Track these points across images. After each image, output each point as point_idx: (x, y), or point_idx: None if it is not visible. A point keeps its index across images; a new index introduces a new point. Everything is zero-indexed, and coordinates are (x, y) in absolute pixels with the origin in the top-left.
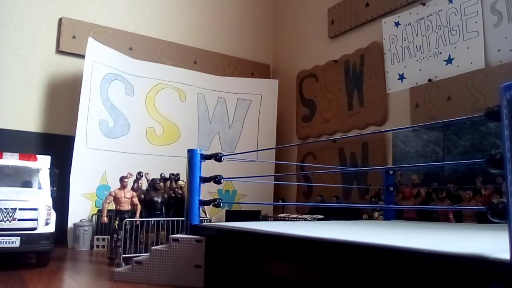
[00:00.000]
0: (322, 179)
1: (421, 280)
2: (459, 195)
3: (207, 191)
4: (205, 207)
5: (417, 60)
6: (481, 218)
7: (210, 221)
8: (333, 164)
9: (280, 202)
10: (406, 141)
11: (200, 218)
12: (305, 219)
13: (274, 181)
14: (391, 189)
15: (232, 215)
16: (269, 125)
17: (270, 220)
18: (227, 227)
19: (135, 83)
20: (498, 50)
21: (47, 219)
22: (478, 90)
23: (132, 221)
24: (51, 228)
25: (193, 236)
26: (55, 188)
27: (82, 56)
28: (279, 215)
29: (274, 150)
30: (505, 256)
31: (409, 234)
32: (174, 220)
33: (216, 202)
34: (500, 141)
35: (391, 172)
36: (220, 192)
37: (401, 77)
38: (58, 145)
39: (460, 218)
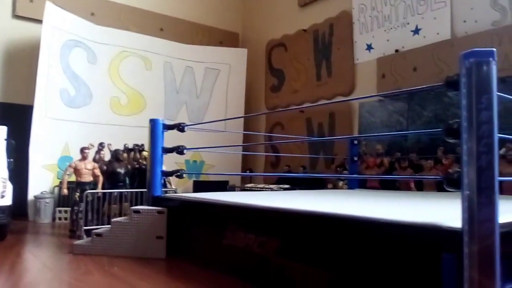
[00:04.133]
0: (290, 149)
1: (377, 249)
2: (420, 165)
3: (174, 161)
4: (170, 178)
5: (385, 31)
6: (441, 187)
7: (175, 192)
8: (301, 135)
9: (248, 173)
10: (372, 111)
11: (165, 190)
12: (271, 189)
13: (243, 151)
14: (355, 158)
15: (199, 186)
16: (238, 95)
17: (237, 191)
18: (189, 198)
19: (97, 50)
20: (464, 21)
21: (3, 192)
22: (443, 61)
23: (94, 193)
24: (7, 201)
25: (155, 208)
26: (12, 160)
27: (40, 21)
28: (246, 185)
29: (243, 121)
30: (458, 225)
31: (368, 203)
32: (138, 192)
33: (179, 173)
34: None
35: (355, 142)
36: (188, 162)
37: (369, 47)
38: (15, 115)
39: (421, 186)
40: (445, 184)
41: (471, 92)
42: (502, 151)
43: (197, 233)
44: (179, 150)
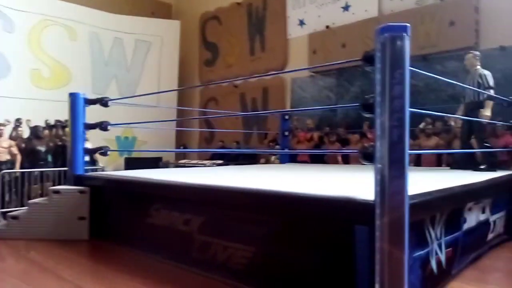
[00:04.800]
0: (224, 125)
1: (296, 223)
2: (347, 139)
3: (103, 138)
4: (97, 155)
5: (316, 6)
6: (366, 157)
7: (103, 171)
8: (235, 110)
9: (181, 149)
10: (303, 87)
11: (92, 168)
12: (205, 165)
13: (177, 127)
14: (287, 133)
15: (131, 163)
16: (171, 69)
17: (171, 167)
18: (112, 176)
19: (15, 18)
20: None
21: None
22: (370, 38)
23: (11, 172)
24: None
25: (76, 187)
26: None
27: None
28: (180, 162)
29: (176, 96)
30: (371, 197)
31: (293, 177)
32: (61, 171)
33: (102, 151)
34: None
35: (286, 117)
36: (119, 139)
37: (301, 22)
38: None
39: (347, 160)
40: (360, 158)
41: (385, 67)
42: (422, 125)
43: (121, 213)
44: (102, 126)
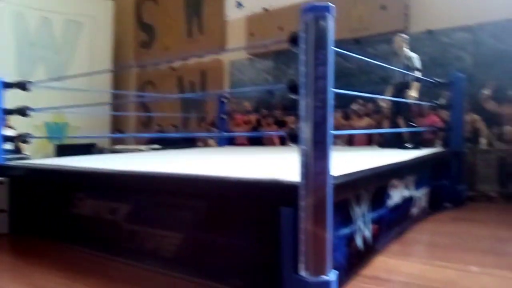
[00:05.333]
0: (162, 108)
1: (223, 206)
2: (284, 121)
3: (33, 125)
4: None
5: None
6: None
7: (29, 159)
8: (172, 93)
9: (117, 134)
10: (242, 69)
11: (15, 156)
12: (141, 150)
13: (112, 111)
14: (224, 116)
15: (62, 151)
16: (104, 52)
17: (106, 153)
18: (34, 165)
19: None
20: None
21: None
22: None
23: None
24: None
25: None
26: None
27: None
28: (115, 147)
29: (110, 79)
30: (296, 179)
31: (226, 160)
32: None
33: (23, 138)
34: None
35: (223, 100)
36: (48, 125)
37: (239, 4)
38: None
39: (284, 141)
40: (288, 140)
41: (308, 47)
42: (356, 107)
43: (44, 204)
44: (22, 111)
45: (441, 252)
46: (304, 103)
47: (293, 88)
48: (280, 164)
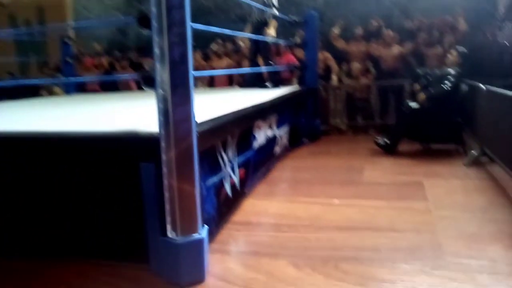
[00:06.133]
0: None
1: (74, 164)
2: (140, 63)
3: None
4: None
5: None
6: None
7: None
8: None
9: None
10: (88, 6)
11: None
12: None
13: None
14: (70, 60)
15: None
16: None
17: None
18: None
19: None
20: None
21: None
22: None
23: None
24: None
25: None
26: None
27: None
28: None
29: None
30: (155, 130)
31: (73, 110)
32: None
33: None
34: None
35: (68, 41)
36: None
37: None
38: None
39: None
40: (142, 84)
41: None
42: (215, 47)
43: None
44: None
45: (304, 188)
46: (158, 39)
47: (144, 20)
48: (138, 113)
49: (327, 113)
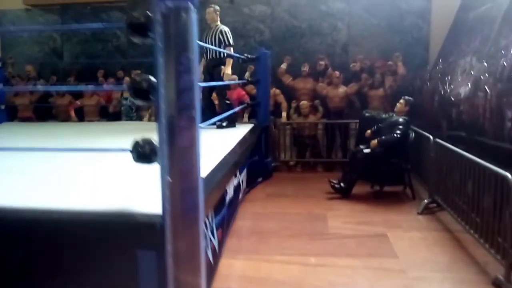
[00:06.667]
0: None
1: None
2: (80, 91)
3: None
4: None
5: None
6: (103, 113)
7: None
8: None
9: None
10: (18, 23)
11: None
12: None
13: None
14: None
15: None
16: None
17: None
18: None
19: None
20: None
21: None
22: None
23: None
24: None
25: None
26: None
27: None
28: None
29: None
30: (155, 210)
31: (19, 162)
32: None
33: None
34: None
35: None
36: None
37: None
38: None
39: (81, 113)
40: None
41: (170, 48)
42: None
43: None
44: None
45: (275, 243)
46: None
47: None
48: (113, 165)
49: (276, 149)
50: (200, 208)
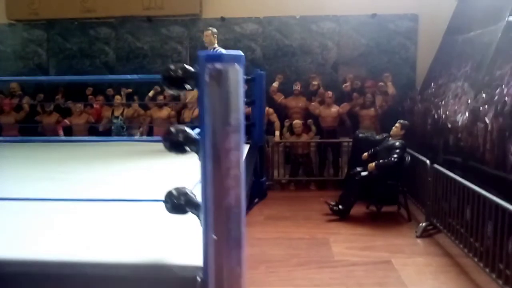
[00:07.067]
0: None
1: None
2: (69, 108)
3: None
4: None
5: None
6: (93, 132)
7: None
8: None
9: None
10: (1, 38)
11: None
12: None
13: None
14: None
15: None
16: None
17: None
18: None
19: None
20: None
21: None
22: None
23: None
24: None
25: None
26: None
27: None
28: None
29: None
30: (196, 261)
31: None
32: None
33: None
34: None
35: None
36: None
37: None
38: None
39: (69, 131)
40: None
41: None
42: (151, 93)
43: None
44: None
45: (285, 273)
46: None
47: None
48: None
49: (270, 168)
50: (243, 262)
